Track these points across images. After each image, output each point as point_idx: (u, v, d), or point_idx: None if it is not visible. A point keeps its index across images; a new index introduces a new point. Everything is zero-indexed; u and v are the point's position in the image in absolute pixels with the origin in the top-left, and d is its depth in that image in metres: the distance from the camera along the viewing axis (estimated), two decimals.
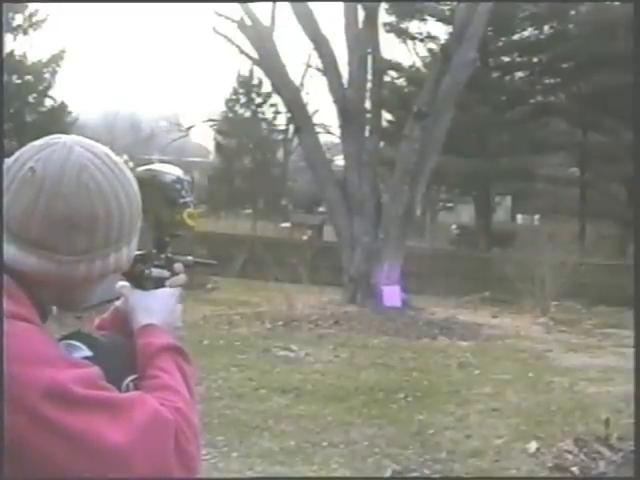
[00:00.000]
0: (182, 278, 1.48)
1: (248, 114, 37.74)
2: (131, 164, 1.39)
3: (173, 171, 1.48)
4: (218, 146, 38.94)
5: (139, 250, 1.40)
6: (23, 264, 1.18)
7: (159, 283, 1.45)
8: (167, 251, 1.50)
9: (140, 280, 1.44)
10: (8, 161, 1.22)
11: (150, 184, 1.41)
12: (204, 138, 46.54)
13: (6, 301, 1.14)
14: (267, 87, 31.51)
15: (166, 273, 1.47)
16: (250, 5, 17.10)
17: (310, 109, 20.87)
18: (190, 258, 1.55)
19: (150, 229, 1.46)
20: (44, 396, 1.07)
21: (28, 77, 22.27)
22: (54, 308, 1.30)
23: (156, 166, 1.48)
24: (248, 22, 16.78)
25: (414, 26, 29.28)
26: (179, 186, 1.46)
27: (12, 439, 1.05)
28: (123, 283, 1.44)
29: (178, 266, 1.49)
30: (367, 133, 16.82)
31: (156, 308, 1.39)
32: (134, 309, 1.40)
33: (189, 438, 1.21)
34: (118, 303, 1.48)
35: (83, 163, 1.21)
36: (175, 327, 1.43)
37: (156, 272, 1.46)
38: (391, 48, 40.70)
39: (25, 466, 1.07)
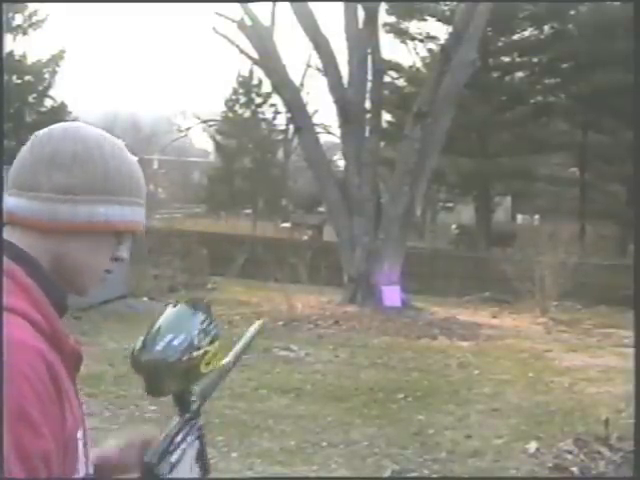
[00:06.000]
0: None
1: (248, 114, 37.76)
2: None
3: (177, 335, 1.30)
4: (218, 146, 38.96)
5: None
6: (13, 209, 1.21)
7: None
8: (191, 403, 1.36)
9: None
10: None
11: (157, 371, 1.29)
12: (204, 138, 46.57)
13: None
14: (267, 87, 31.55)
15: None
16: (250, 5, 17.11)
17: (310, 109, 20.87)
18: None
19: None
20: None
21: (28, 77, 22.28)
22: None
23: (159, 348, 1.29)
24: (248, 22, 16.79)
25: (414, 26, 29.32)
26: (189, 354, 1.29)
27: None
28: None
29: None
30: (367, 133, 16.82)
31: None
32: None
33: None
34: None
35: (77, 124, 1.30)
36: None
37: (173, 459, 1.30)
38: (391, 48, 40.69)
39: None
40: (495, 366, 10.48)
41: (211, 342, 1.33)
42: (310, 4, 16.79)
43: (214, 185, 37.94)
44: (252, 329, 1.49)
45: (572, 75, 27.25)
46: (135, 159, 1.32)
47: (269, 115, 38.00)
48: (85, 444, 1.23)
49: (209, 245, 19.60)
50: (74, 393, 1.22)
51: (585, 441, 6.56)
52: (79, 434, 1.20)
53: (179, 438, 1.31)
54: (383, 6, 22.61)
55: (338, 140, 20.18)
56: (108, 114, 45.38)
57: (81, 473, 1.21)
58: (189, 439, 1.34)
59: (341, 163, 25.54)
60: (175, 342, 1.28)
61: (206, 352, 1.31)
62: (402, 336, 12.72)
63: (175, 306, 1.34)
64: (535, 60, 29.00)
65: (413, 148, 15.74)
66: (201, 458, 1.37)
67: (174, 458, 1.29)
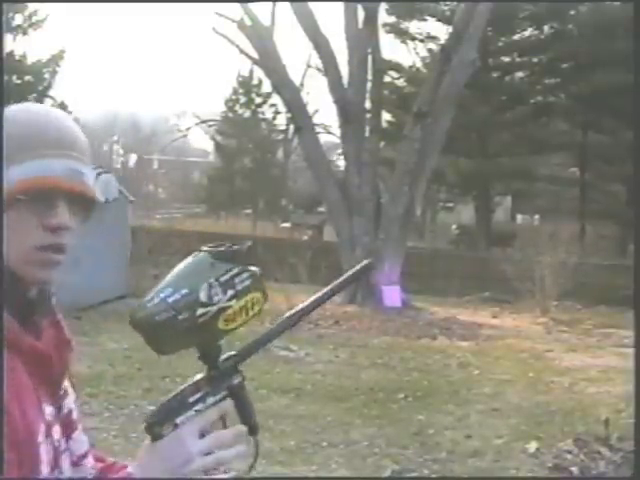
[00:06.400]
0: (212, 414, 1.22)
1: (248, 114, 37.78)
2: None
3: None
4: (218, 146, 38.98)
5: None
6: None
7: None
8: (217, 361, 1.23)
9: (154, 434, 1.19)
10: None
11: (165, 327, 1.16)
12: (204, 138, 46.56)
13: None
14: (267, 87, 31.58)
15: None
16: (250, 5, 17.12)
17: (310, 109, 20.88)
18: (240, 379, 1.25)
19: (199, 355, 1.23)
20: None
21: (28, 77, 22.28)
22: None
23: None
24: (248, 22, 16.80)
25: (414, 26, 29.36)
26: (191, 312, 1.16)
27: None
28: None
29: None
30: (367, 133, 16.82)
31: (155, 463, 1.18)
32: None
33: None
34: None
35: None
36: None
37: (182, 419, 1.19)
38: (391, 48, 40.81)
39: None
40: (495, 366, 10.48)
41: (234, 297, 1.19)
42: (310, 4, 16.81)
43: (214, 185, 37.96)
44: (356, 267, 1.32)
45: (572, 75, 27.28)
46: (50, 113, 1.21)
47: (269, 115, 38.06)
48: (56, 450, 1.19)
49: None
50: (36, 393, 1.16)
51: (585, 441, 6.55)
52: (40, 438, 1.14)
53: (194, 398, 1.20)
54: (383, 6, 22.64)
55: (338, 140, 20.20)
56: (108, 114, 45.39)
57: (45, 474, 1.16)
58: (210, 399, 1.21)
59: (341, 163, 25.55)
60: (170, 299, 1.15)
61: (224, 308, 1.17)
62: (402, 336, 12.71)
63: (197, 255, 1.20)
64: (535, 60, 29.03)
65: (413, 148, 15.74)
66: (243, 418, 1.26)
67: (181, 419, 1.18)
